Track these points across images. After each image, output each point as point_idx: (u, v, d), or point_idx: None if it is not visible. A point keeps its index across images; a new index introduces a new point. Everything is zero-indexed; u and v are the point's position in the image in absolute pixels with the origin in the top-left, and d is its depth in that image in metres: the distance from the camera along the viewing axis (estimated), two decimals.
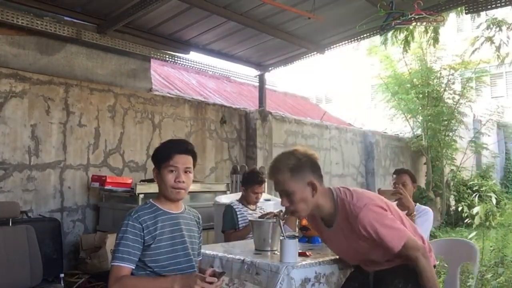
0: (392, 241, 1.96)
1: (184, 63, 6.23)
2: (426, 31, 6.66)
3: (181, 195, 2.06)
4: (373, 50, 9.63)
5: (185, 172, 2.04)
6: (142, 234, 1.94)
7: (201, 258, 2.27)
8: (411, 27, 5.84)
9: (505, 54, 6.86)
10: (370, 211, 1.95)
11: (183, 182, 2.03)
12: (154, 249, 1.96)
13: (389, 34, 6.12)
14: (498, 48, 6.59)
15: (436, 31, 6.32)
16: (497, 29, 6.42)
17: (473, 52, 7.32)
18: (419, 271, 1.99)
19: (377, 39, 7.73)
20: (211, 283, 1.81)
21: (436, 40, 6.40)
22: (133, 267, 1.93)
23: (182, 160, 2.04)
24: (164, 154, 2.05)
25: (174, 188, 2.02)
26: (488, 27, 6.49)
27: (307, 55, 6.31)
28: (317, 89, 17.81)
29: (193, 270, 2.07)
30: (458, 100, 9.70)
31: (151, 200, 2.12)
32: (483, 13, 6.04)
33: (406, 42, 6.15)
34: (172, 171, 2.02)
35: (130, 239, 1.92)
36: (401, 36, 6.15)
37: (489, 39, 6.61)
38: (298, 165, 2.00)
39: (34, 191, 4.56)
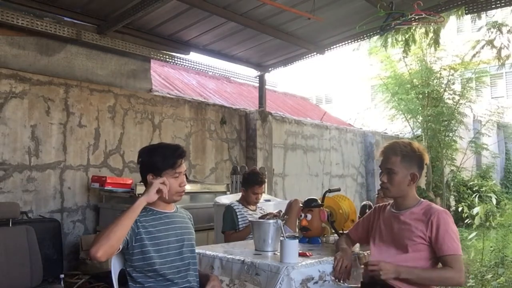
0: (447, 245, 2.08)
1: (184, 64, 6.23)
2: (426, 34, 6.65)
3: (182, 197, 2.14)
4: (373, 51, 9.63)
5: (184, 174, 2.12)
6: (135, 224, 1.96)
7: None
8: (412, 29, 5.83)
9: (505, 56, 6.86)
10: (449, 216, 2.17)
11: (185, 185, 2.11)
12: (149, 251, 1.98)
13: (390, 36, 6.11)
14: (499, 51, 6.60)
15: (436, 33, 6.32)
16: (498, 32, 6.43)
17: (474, 55, 7.33)
18: (437, 275, 2.12)
19: (377, 39, 7.73)
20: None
21: (436, 42, 6.39)
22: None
23: (183, 165, 2.11)
24: (169, 162, 2.06)
25: (179, 192, 2.10)
26: (488, 30, 6.49)
27: (307, 56, 6.31)
28: (317, 89, 17.81)
29: (190, 267, 2.11)
30: (458, 100, 9.69)
31: None
32: (483, 15, 6.04)
33: (407, 45, 6.15)
34: (177, 177, 2.07)
35: None
36: (401, 38, 6.14)
37: (490, 42, 6.62)
38: (410, 155, 2.23)
39: (34, 191, 4.56)
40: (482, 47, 6.88)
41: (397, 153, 2.22)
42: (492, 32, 6.48)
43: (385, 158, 2.27)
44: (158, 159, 2.07)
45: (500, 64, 6.96)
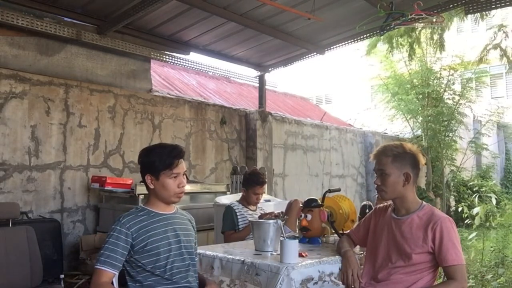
0: (451, 254, 2.04)
1: (184, 64, 6.23)
2: (432, 38, 6.66)
3: (181, 198, 2.12)
4: (373, 51, 9.63)
5: (183, 175, 2.10)
6: (129, 240, 1.96)
7: (197, 259, 2.28)
8: (417, 32, 5.83)
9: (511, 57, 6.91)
10: (452, 223, 2.12)
11: (184, 185, 2.08)
12: (149, 251, 1.98)
13: (394, 41, 6.12)
14: (505, 53, 6.63)
15: (441, 37, 6.33)
16: (504, 35, 6.46)
17: (481, 59, 7.35)
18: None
19: (377, 40, 7.73)
20: None
21: (442, 46, 6.40)
22: (115, 272, 1.94)
23: (182, 165, 2.08)
24: (165, 162, 2.04)
25: (178, 193, 2.07)
26: (494, 34, 6.53)
27: (307, 56, 6.31)
28: (317, 89, 17.82)
29: (190, 268, 2.10)
30: (458, 100, 9.68)
31: (141, 205, 2.16)
32: (484, 17, 6.06)
33: (412, 49, 6.15)
34: (175, 177, 2.05)
35: (114, 244, 1.93)
36: (407, 41, 6.15)
37: (497, 46, 6.65)
38: (402, 155, 2.20)
39: (34, 192, 4.56)
40: (488, 51, 6.91)
41: (388, 154, 2.20)
42: (497, 35, 6.52)
43: (377, 161, 2.25)
44: (155, 160, 2.05)
45: (509, 66, 7.00)
